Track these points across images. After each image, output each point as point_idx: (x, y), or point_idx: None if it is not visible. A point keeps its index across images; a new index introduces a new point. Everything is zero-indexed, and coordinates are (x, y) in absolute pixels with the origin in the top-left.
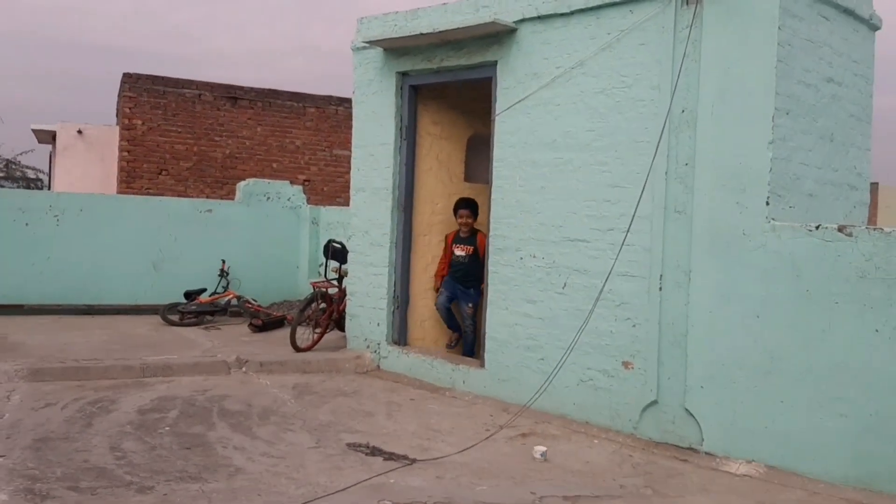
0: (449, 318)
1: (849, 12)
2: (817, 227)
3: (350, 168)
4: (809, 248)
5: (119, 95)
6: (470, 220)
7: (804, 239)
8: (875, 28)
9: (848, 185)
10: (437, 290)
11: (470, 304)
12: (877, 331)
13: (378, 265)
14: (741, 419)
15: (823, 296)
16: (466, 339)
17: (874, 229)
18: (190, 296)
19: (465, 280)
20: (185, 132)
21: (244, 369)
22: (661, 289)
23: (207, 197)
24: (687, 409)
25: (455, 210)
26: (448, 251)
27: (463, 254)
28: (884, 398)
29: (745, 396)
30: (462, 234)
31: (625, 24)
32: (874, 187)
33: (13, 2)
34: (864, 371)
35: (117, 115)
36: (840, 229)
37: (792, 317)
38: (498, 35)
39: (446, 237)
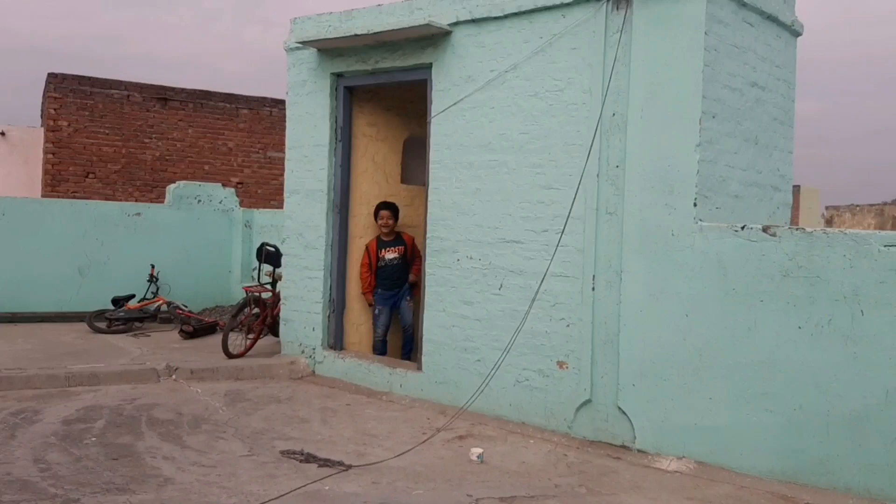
0: (384, 351)
1: (772, 19)
2: (743, 228)
3: (284, 170)
4: (735, 247)
5: (44, 96)
6: (391, 222)
7: (730, 239)
8: (797, 34)
9: (771, 187)
10: (370, 305)
11: (409, 298)
12: (800, 327)
13: (313, 268)
14: (671, 416)
15: (749, 294)
16: (408, 336)
17: (797, 229)
18: (118, 302)
19: (397, 284)
20: (114, 134)
21: (174, 377)
22: (593, 289)
23: (136, 200)
24: (620, 408)
25: (376, 213)
26: (373, 259)
27: (395, 255)
28: (807, 393)
29: (675, 394)
30: (385, 238)
31: (557, 29)
32: (796, 189)
33: None
34: (788, 367)
35: (42, 117)
36: (764, 229)
37: (719, 315)
38: (433, 37)
39: (367, 247)
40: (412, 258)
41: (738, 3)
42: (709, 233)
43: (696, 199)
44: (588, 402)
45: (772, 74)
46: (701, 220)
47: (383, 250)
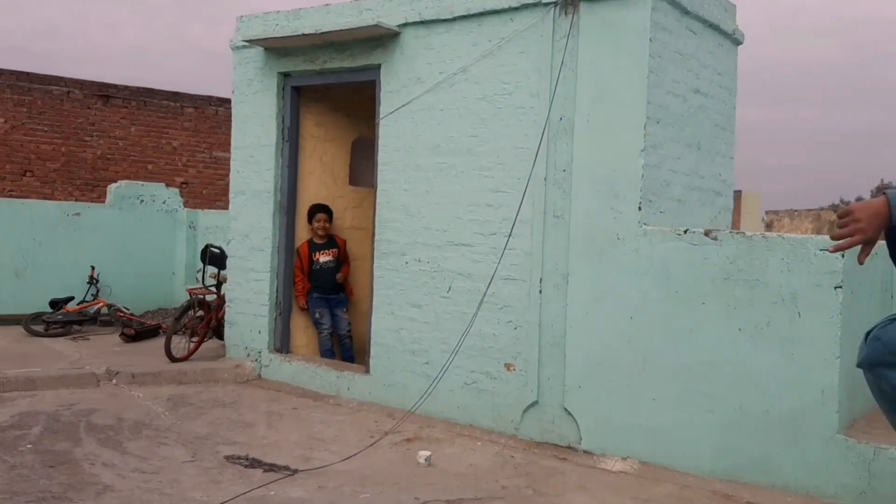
0: (332, 353)
1: (714, 27)
2: (685, 232)
3: (230, 171)
4: (678, 251)
5: None
6: (327, 225)
7: (673, 243)
8: (738, 43)
9: (713, 192)
10: (303, 307)
11: (345, 309)
12: (740, 329)
13: (259, 270)
14: (616, 417)
15: (691, 297)
16: (346, 346)
17: (737, 233)
18: (56, 304)
19: (332, 288)
20: (53, 131)
21: (115, 381)
22: (541, 292)
23: (76, 200)
24: (566, 409)
25: (310, 216)
26: (306, 263)
27: (330, 258)
28: (746, 393)
29: (619, 395)
30: (318, 241)
31: (505, 32)
32: (737, 194)
33: None
34: (729, 368)
35: None
36: (706, 233)
37: (663, 317)
38: (381, 38)
39: (298, 251)
40: (345, 259)
41: (681, 10)
42: (653, 236)
43: (640, 203)
44: (535, 403)
45: (714, 82)
46: (645, 224)
47: (316, 253)
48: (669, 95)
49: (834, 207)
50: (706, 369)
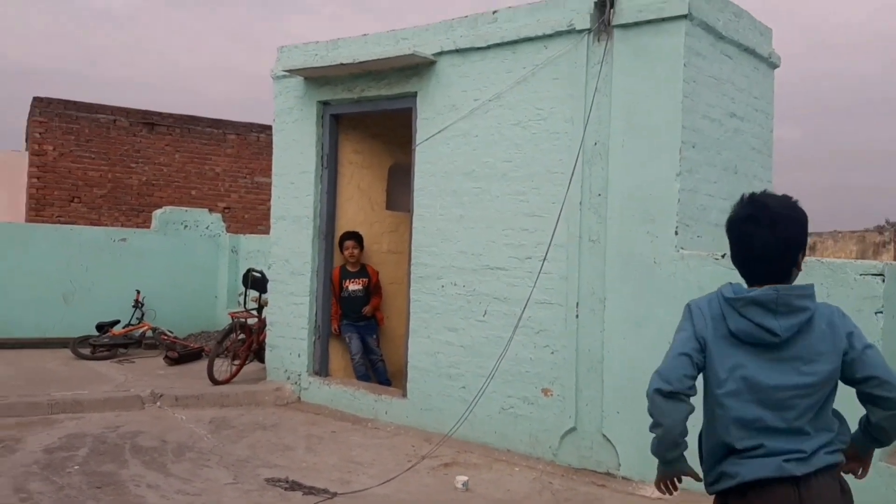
0: (367, 376)
1: (749, 51)
2: (723, 256)
3: (271, 196)
4: (716, 276)
5: (29, 120)
6: (356, 252)
7: (711, 267)
8: (774, 66)
9: None
10: (336, 333)
11: (374, 336)
12: None
13: (299, 294)
14: None
15: None
16: (380, 370)
17: None
18: (102, 328)
19: (360, 316)
20: (100, 158)
21: (159, 404)
22: (577, 316)
23: (122, 225)
24: (604, 435)
25: (341, 243)
26: (336, 288)
27: (359, 287)
28: None
29: None
30: (350, 269)
31: (539, 59)
32: None
33: None
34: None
35: (27, 141)
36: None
37: None
38: (417, 67)
39: (331, 276)
40: (375, 291)
41: (715, 35)
42: (690, 261)
43: (677, 227)
44: (573, 429)
45: (750, 105)
46: (682, 249)
47: (346, 281)
48: (705, 120)
49: (880, 229)
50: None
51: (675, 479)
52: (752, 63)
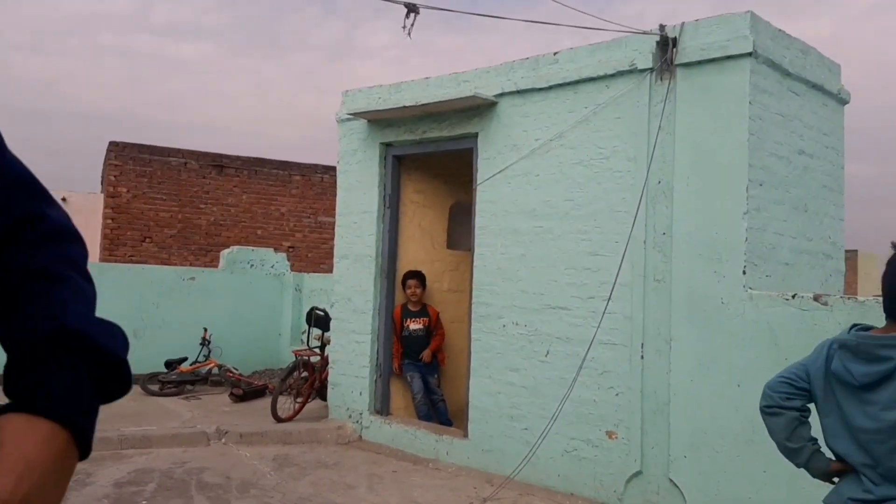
0: (428, 416)
1: (818, 87)
2: (794, 296)
3: (334, 235)
4: (786, 316)
5: (104, 163)
6: (419, 291)
7: (781, 308)
8: (843, 102)
9: (823, 254)
10: (397, 372)
11: (436, 376)
12: None
13: (361, 332)
14: (725, 489)
15: None
16: (441, 410)
17: (849, 298)
18: (171, 365)
19: (419, 356)
20: (170, 200)
21: (224, 440)
22: (642, 357)
23: (191, 264)
24: (671, 480)
25: (404, 282)
26: (398, 327)
27: (420, 327)
28: None
29: (727, 466)
30: (412, 308)
31: (601, 99)
32: (853, 255)
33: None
34: None
35: (102, 183)
36: (816, 298)
37: None
38: (478, 108)
39: (393, 315)
40: (435, 331)
41: (782, 73)
42: (759, 301)
43: (745, 266)
44: (638, 473)
45: (819, 142)
46: (751, 288)
47: (408, 320)
48: (772, 157)
49: None
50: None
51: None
52: (820, 99)
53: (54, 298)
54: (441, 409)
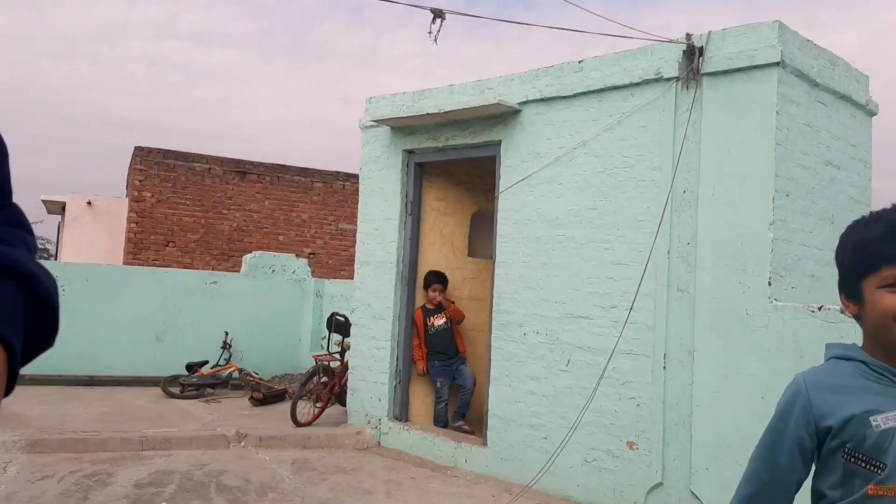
0: (445, 424)
1: (846, 98)
2: (819, 308)
3: (355, 242)
4: (812, 328)
5: (130, 168)
6: (442, 297)
7: (807, 320)
8: (872, 114)
9: None
10: (422, 373)
11: (465, 363)
12: None
13: (380, 338)
14: None
15: None
16: (465, 399)
17: None
18: (192, 368)
19: (447, 351)
20: (194, 205)
21: (243, 444)
22: (665, 367)
23: (213, 269)
24: (693, 492)
25: (427, 284)
26: (421, 328)
27: (443, 321)
28: None
29: None
30: (430, 307)
31: (626, 107)
32: None
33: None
34: None
35: (127, 187)
36: (842, 311)
37: None
38: (502, 116)
39: (414, 317)
40: (457, 318)
41: (810, 83)
42: (784, 312)
43: (770, 277)
44: (659, 485)
45: (847, 153)
46: (776, 300)
47: (431, 318)
48: (799, 168)
49: None
50: None
51: None
52: (848, 111)
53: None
54: (466, 399)
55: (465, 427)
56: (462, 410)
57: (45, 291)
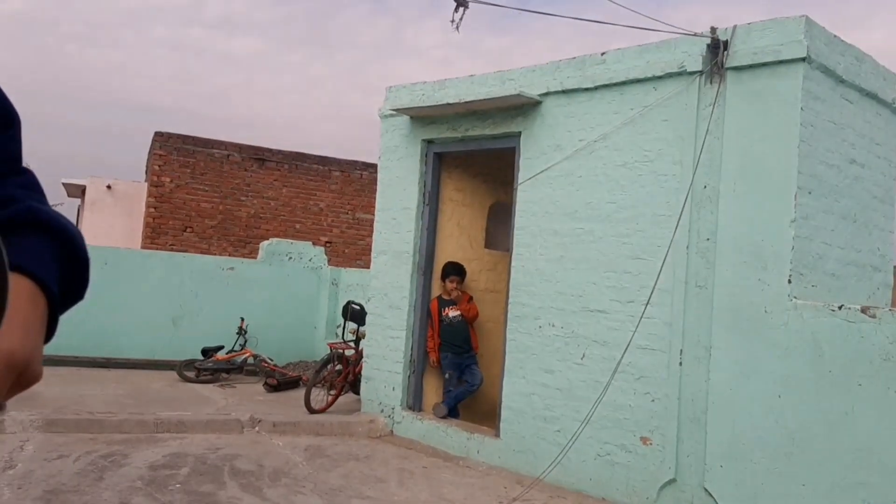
0: (455, 412)
1: (871, 96)
2: (840, 308)
3: (371, 231)
4: (832, 328)
5: (150, 153)
6: (458, 288)
7: (827, 319)
8: None
9: (871, 267)
10: (434, 364)
11: (476, 364)
12: None
13: (396, 328)
14: (761, 501)
15: (846, 377)
16: (472, 390)
17: None
18: (207, 352)
19: (462, 344)
20: (212, 191)
21: (257, 429)
22: (681, 364)
23: (230, 255)
24: (706, 489)
25: (445, 275)
26: (436, 318)
27: (458, 313)
28: None
29: (765, 478)
30: (445, 297)
31: (648, 101)
32: None
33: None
34: (888, 456)
35: (146, 172)
36: (863, 310)
37: (814, 397)
38: (522, 107)
39: (429, 307)
40: (470, 314)
41: (835, 79)
42: (804, 311)
43: (790, 275)
44: (672, 481)
45: (871, 152)
46: (796, 298)
47: (445, 309)
48: (822, 165)
49: None
50: (862, 456)
51: None
52: (874, 108)
53: (25, 200)
54: (473, 391)
55: (444, 415)
56: (455, 401)
57: (76, 245)
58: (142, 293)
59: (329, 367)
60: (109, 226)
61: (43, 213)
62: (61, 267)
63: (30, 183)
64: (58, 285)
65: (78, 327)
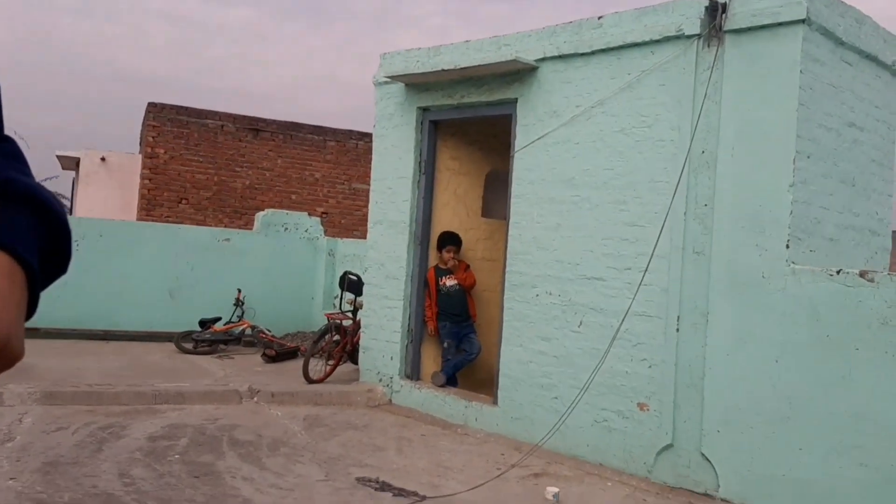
0: (454, 380)
1: (871, 58)
2: (838, 272)
3: (367, 202)
4: (830, 292)
5: (143, 124)
6: (455, 258)
7: (825, 283)
8: None
9: (869, 231)
10: (432, 333)
11: (475, 333)
12: None
13: (393, 298)
14: (758, 466)
15: (844, 342)
16: (470, 360)
17: None
18: (205, 324)
19: (460, 313)
20: (207, 162)
21: (256, 399)
22: (678, 330)
23: (226, 226)
24: (703, 454)
25: (441, 245)
26: (433, 287)
27: (454, 283)
28: None
29: (762, 442)
30: (442, 266)
31: (646, 65)
32: None
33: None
34: (884, 420)
35: (140, 144)
36: (861, 275)
37: (811, 362)
38: (519, 73)
39: (426, 277)
40: (467, 283)
41: (835, 41)
42: (802, 276)
43: (788, 240)
44: (669, 446)
45: (870, 115)
46: (793, 263)
47: (443, 278)
48: (821, 129)
49: None
50: (859, 420)
51: None
52: (873, 71)
53: (3, 170)
54: (471, 360)
55: (443, 383)
56: (454, 370)
57: (57, 217)
58: (138, 265)
59: (327, 337)
60: (104, 198)
61: (21, 184)
62: (41, 240)
63: (10, 152)
64: (38, 260)
65: (76, 300)
